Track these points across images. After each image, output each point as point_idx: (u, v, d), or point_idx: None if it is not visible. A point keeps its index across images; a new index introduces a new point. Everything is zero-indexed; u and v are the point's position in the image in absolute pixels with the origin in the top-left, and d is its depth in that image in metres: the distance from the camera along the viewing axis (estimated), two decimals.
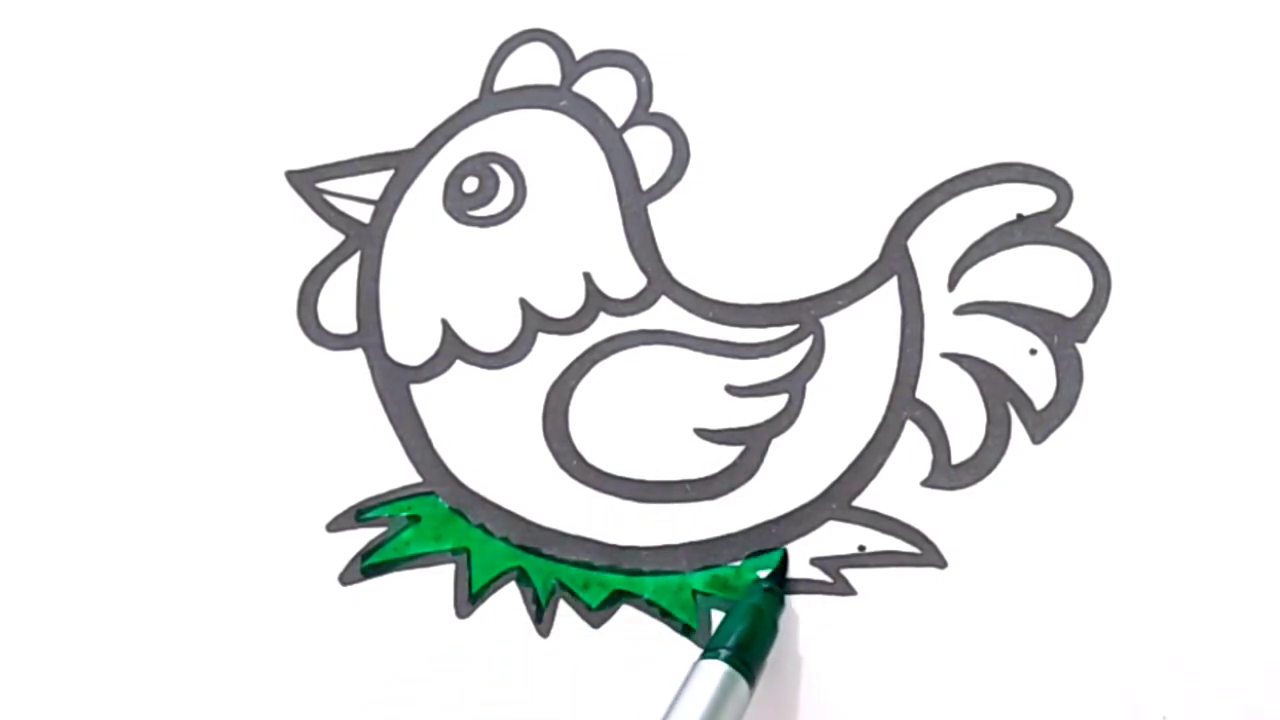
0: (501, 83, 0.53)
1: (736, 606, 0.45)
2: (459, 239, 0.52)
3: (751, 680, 0.42)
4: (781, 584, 0.46)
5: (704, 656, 0.43)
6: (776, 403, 0.48)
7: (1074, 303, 0.47)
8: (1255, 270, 0.46)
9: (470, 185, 0.52)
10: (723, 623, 0.44)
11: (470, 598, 0.48)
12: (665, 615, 0.47)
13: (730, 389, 0.48)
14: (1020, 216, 0.48)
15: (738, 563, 0.47)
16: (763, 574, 0.46)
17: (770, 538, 0.47)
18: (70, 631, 0.50)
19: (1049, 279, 0.47)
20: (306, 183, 0.54)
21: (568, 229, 0.51)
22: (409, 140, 0.53)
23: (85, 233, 0.55)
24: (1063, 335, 0.47)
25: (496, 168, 0.52)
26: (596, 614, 0.47)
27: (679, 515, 0.48)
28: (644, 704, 0.45)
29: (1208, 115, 0.47)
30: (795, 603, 0.46)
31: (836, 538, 0.47)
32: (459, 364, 0.51)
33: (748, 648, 0.43)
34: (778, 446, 0.48)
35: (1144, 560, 0.44)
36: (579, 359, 0.50)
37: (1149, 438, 0.45)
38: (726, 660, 0.42)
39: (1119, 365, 0.46)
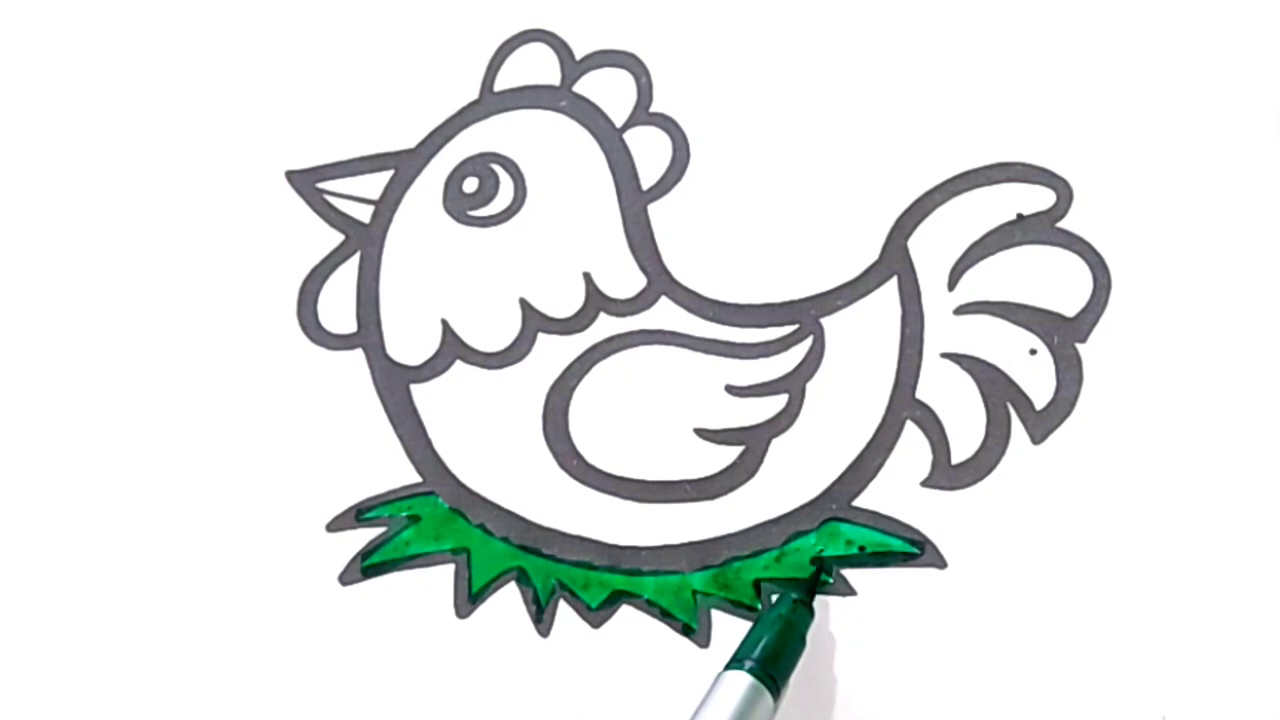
0: (501, 83, 0.53)
1: (764, 616, 0.44)
2: (459, 239, 0.52)
3: (776, 694, 0.41)
4: (812, 595, 0.45)
5: (729, 667, 0.41)
6: (776, 403, 0.48)
7: (1074, 303, 0.47)
8: (1255, 270, 0.46)
9: (470, 185, 0.52)
10: (749, 633, 0.43)
11: (470, 598, 0.48)
12: (665, 615, 0.47)
13: (730, 389, 0.48)
14: (1020, 216, 0.48)
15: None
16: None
17: (770, 538, 0.47)
18: (70, 631, 0.50)
19: (1049, 279, 0.47)
20: (306, 183, 0.54)
21: (568, 229, 0.51)
22: (409, 140, 0.53)
23: (86, 233, 0.55)
24: (1063, 335, 0.47)
25: (496, 168, 0.52)
26: (596, 614, 0.47)
27: (679, 515, 0.48)
28: (644, 704, 0.45)
29: (1207, 115, 0.47)
30: None
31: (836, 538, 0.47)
32: (459, 364, 0.51)
33: (774, 660, 0.42)
34: (778, 446, 0.48)
35: (1144, 560, 0.44)
36: (579, 359, 0.50)
37: (1149, 438, 0.45)
38: (751, 672, 0.41)
39: (1119, 365, 0.46)
